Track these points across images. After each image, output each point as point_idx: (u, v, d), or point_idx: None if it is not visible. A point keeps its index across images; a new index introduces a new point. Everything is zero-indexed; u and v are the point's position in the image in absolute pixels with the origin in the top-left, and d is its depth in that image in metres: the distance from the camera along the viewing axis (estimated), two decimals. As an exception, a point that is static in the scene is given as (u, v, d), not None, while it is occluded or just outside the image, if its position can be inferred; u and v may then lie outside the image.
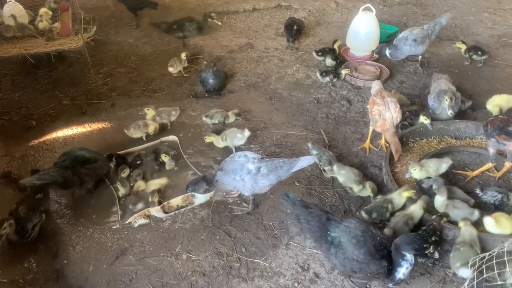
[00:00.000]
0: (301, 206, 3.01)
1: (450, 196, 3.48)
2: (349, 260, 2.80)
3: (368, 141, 4.34)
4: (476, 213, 3.35)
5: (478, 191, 3.56)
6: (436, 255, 2.96)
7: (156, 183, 3.90)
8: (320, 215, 2.95)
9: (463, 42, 5.84)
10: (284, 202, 3.14)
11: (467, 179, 3.91)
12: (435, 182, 3.56)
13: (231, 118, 4.67)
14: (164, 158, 4.07)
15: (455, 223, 3.33)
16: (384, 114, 3.99)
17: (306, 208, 3.00)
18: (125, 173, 3.94)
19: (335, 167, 3.83)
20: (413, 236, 2.86)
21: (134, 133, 4.44)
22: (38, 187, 3.50)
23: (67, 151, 3.79)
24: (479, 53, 5.72)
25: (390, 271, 2.79)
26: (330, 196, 3.79)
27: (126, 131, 4.43)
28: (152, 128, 4.48)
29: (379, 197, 3.61)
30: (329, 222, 2.91)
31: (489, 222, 3.24)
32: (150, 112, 4.61)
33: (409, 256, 2.76)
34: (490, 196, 3.50)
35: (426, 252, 2.81)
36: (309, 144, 4.12)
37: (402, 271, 2.78)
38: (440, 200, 3.47)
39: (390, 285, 2.90)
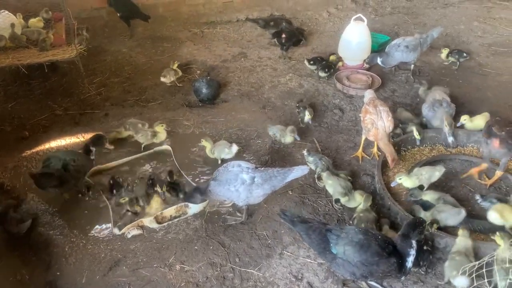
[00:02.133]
0: (300, 223, 3.02)
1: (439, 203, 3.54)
2: (357, 267, 2.82)
3: (360, 149, 4.37)
4: (463, 212, 3.38)
5: (477, 197, 3.58)
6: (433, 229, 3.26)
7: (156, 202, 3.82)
8: (320, 228, 2.97)
9: (447, 47, 6.09)
10: (283, 220, 3.14)
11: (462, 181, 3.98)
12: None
13: (288, 138, 4.45)
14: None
15: (445, 229, 3.37)
16: (377, 123, 4.01)
17: (305, 223, 3.02)
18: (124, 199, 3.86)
19: (324, 175, 3.84)
20: (413, 221, 2.95)
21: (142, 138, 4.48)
22: None
23: (47, 157, 3.79)
24: (464, 55, 5.93)
25: (400, 265, 2.83)
26: (323, 205, 3.80)
27: (135, 136, 4.51)
28: (163, 135, 4.51)
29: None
30: (329, 233, 2.92)
31: (493, 216, 3.33)
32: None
33: (415, 243, 2.84)
34: (489, 203, 3.50)
35: (425, 229, 3.03)
36: (304, 152, 4.15)
37: (410, 260, 2.84)
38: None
39: (402, 278, 2.96)
